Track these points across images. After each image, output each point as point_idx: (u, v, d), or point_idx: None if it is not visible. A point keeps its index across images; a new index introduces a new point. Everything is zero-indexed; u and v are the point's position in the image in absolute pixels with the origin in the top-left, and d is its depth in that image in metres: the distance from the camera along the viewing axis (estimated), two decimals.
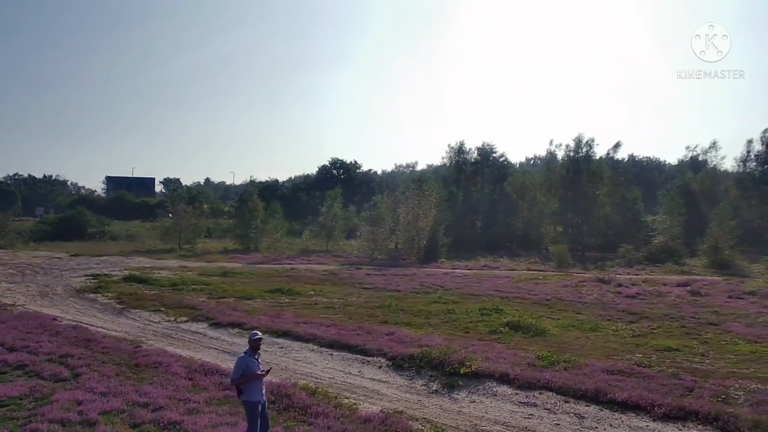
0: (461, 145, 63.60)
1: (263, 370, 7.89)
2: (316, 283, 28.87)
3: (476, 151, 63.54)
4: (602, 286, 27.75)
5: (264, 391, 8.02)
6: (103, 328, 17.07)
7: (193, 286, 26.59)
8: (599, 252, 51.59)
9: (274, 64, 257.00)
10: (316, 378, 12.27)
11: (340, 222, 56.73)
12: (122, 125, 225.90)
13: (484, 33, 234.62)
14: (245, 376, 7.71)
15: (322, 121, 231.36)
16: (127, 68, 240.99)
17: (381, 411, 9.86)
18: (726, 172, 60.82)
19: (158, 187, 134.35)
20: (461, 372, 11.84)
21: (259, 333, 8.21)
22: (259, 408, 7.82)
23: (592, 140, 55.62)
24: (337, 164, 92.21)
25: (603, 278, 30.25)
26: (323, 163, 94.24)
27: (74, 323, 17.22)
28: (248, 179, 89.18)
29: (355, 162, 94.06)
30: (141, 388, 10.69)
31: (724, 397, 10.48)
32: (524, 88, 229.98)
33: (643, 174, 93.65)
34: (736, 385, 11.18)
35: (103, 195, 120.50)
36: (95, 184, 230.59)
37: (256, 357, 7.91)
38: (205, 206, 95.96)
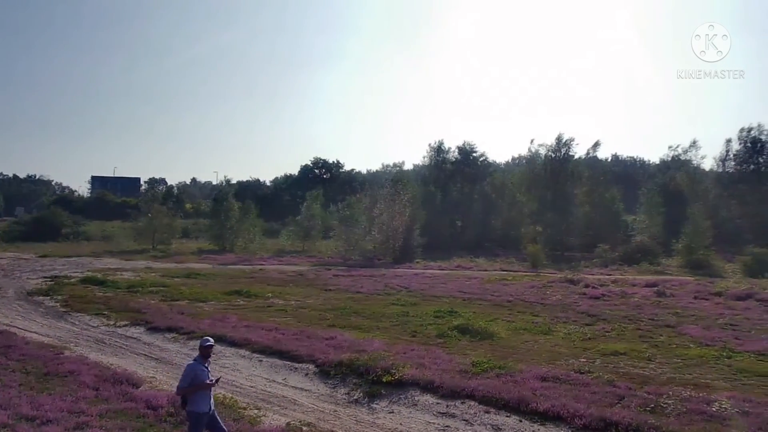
0: (440, 145, 63.13)
1: (212, 379, 7.38)
2: (279, 285, 28.23)
3: (456, 151, 63.00)
4: (569, 287, 27.26)
5: (212, 401, 7.47)
6: (36, 333, 16.37)
7: (151, 288, 25.85)
8: (579, 252, 51.28)
9: (263, 64, 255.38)
10: (237, 386, 11.67)
11: (318, 222, 56.10)
12: (110, 125, 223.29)
13: (477, 33, 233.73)
14: (193, 385, 7.17)
15: (311, 120, 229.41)
16: (114, 67, 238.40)
17: (286, 424, 9.30)
18: (711, 171, 60.58)
19: (144, 187, 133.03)
20: (384, 380, 11.25)
21: (211, 339, 7.67)
22: (206, 419, 7.27)
23: (572, 140, 55.45)
24: (319, 164, 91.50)
25: (572, 279, 29.80)
26: (305, 163, 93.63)
27: (2, 328, 16.49)
28: (229, 180, 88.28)
29: (338, 161, 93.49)
30: (37, 399, 10.02)
31: (652, 406, 9.97)
32: (516, 88, 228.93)
33: (626, 173, 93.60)
34: (670, 393, 10.68)
35: (86, 195, 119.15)
36: (81, 184, 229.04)
37: (206, 365, 7.40)
38: (188, 206, 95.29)
